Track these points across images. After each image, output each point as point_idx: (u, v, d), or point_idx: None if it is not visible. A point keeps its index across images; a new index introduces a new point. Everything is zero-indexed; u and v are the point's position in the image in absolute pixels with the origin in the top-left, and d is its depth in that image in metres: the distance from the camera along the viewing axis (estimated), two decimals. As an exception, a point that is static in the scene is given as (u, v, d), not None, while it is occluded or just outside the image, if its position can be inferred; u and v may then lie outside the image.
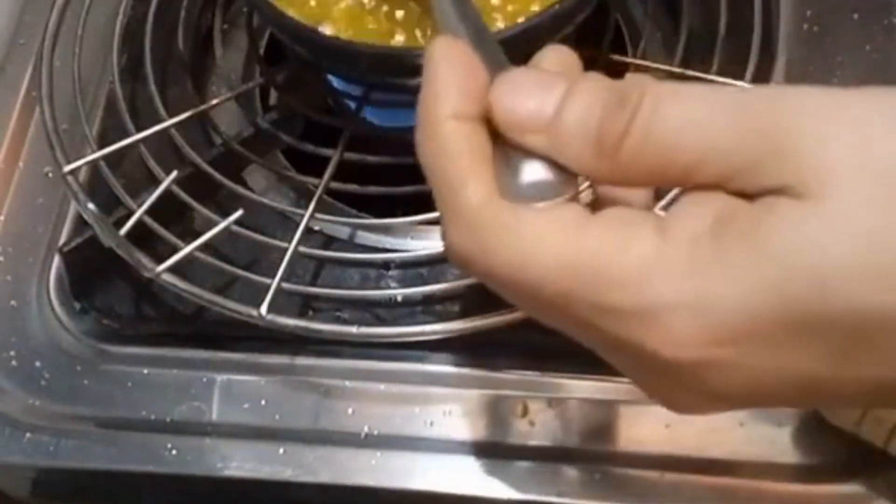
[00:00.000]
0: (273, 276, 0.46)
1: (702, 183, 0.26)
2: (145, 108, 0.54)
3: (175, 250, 0.47)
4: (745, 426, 0.47)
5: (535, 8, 0.46)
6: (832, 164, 0.24)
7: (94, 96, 0.57)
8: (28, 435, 0.48)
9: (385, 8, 0.48)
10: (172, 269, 0.47)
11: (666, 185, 0.28)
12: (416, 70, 0.47)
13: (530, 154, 0.28)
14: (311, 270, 0.51)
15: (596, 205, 0.29)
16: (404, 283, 0.51)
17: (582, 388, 0.49)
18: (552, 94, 0.27)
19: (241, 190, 0.51)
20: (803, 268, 0.24)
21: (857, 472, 0.45)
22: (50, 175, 0.55)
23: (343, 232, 0.53)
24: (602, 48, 0.53)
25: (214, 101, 0.54)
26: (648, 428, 0.47)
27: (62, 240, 0.53)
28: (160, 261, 0.47)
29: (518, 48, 0.46)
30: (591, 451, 0.47)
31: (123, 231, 0.48)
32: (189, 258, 0.47)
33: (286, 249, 0.47)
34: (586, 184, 0.30)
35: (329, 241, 0.52)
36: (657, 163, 0.26)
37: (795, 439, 0.46)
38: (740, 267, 0.25)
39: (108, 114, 0.56)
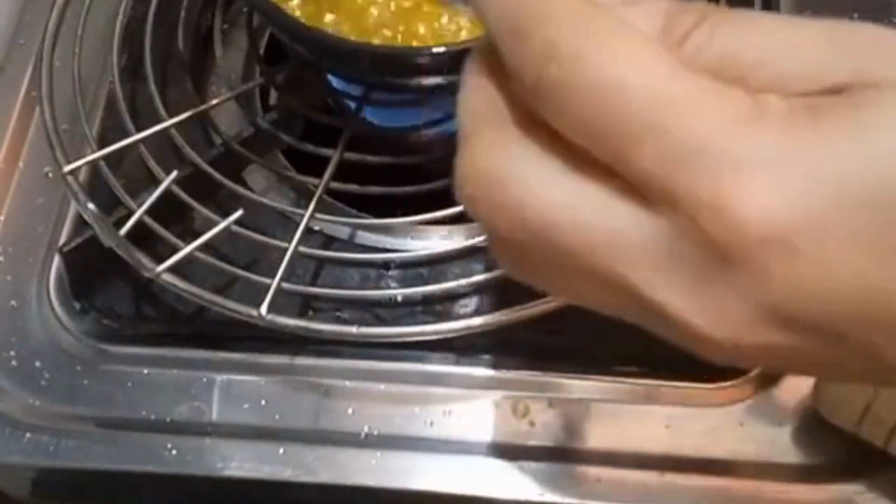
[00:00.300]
0: (273, 276, 0.46)
1: (769, 82, 0.23)
2: (145, 108, 0.54)
3: (175, 250, 0.47)
4: (745, 426, 0.47)
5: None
6: None
7: (94, 96, 0.57)
8: (28, 435, 0.48)
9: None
10: (172, 269, 0.47)
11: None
12: (416, 70, 0.47)
13: None
14: (311, 270, 0.51)
15: None
16: (404, 283, 0.51)
17: (582, 388, 0.49)
18: None
19: (241, 190, 0.51)
20: None
21: (857, 472, 0.45)
22: (50, 175, 0.55)
23: (343, 232, 0.53)
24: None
25: (214, 101, 0.54)
26: (648, 428, 0.47)
27: (62, 240, 0.53)
28: (160, 261, 0.47)
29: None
30: (591, 451, 0.47)
31: (123, 231, 0.48)
32: (189, 258, 0.47)
33: (286, 249, 0.47)
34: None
35: (329, 241, 0.52)
36: (720, 60, 0.23)
37: (795, 439, 0.46)
38: (839, 137, 0.22)
39: (108, 114, 0.56)
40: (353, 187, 0.52)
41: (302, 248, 0.48)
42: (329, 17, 0.49)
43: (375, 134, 0.55)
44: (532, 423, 0.48)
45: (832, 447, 0.46)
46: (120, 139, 0.51)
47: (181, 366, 0.50)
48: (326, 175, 0.50)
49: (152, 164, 0.51)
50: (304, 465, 0.47)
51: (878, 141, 0.22)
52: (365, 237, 0.52)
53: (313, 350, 0.50)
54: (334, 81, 0.56)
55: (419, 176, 0.52)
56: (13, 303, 0.52)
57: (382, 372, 0.49)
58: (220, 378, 0.50)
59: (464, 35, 0.48)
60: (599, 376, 0.49)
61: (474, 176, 0.25)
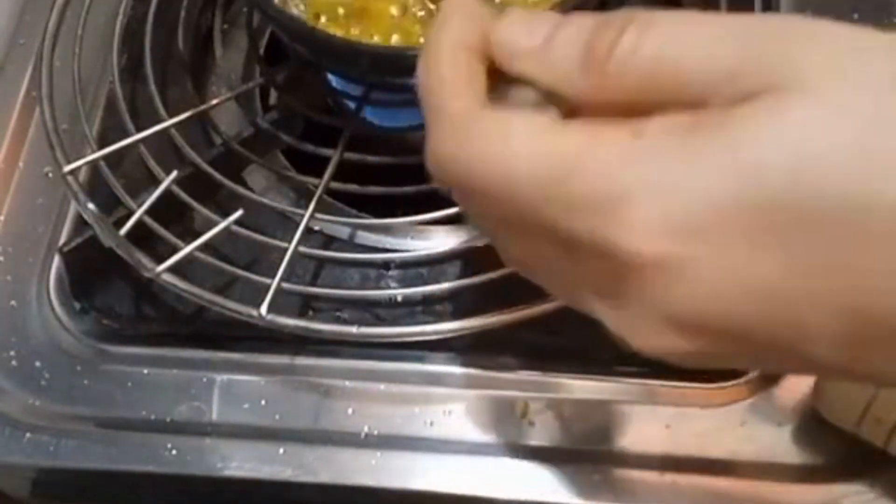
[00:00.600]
0: (273, 276, 0.46)
1: (690, 97, 0.25)
2: (145, 108, 0.54)
3: (175, 250, 0.47)
4: (745, 426, 0.47)
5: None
6: (821, 58, 0.24)
7: (94, 96, 0.57)
8: (28, 435, 0.48)
9: None
10: (172, 269, 0.47)
11: (653, 101, 0.26)
12: (416, 70, 0.47)
13: (522, 84, 0.28)
14: (311, 270, 0.51)
15: None
16: (404, 283, 0.51)
17: (582, 388, 0.49)
18: (544, 26, 0.28)
19: (241, 190, 0.51)
20: (778, 157, 0.23)
21: (857, 472, 0.45)
22: (50, 175, 0.55)
23: (343, 232, 0.53)
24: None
25: (214, 101, 0.54)
26: (648, 428, 0.47)
27: (62, 240, 0.53)
28: (160, 261, 0.47)
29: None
30: (591, 451, 0.47)
31: (123, 231, 0.48)
32: (189, 258, 0.47)
33: (286, 249, 0.47)
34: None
35: (329, 241, 0.52)
36: (645, 76, 0.26)
37: (795, 439, 0.46)
38: (710, 154, 0.24)
39: (108, 114, 0.56)
40: (353, 187, 0.52)
41: (302, 248, 0.48)
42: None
43: (375, 134, 0.55)
44: (532, 423, 0.48)
45: (832, 447, 0.46)
46: (120, 139, 0.51)
47: (181, 366, 0.50)
48: (326, 175, 0.50)
49: (152, 164, 0.51)
50: (304, 465, 0.47)
51: (741, 152, 0.23)
52: (365, 237, 0.52)
53: (313, 350, 0.50)
54: (334, 81, 0.56)
55: (419, 176, 0.52)
56: (13, 303, 0.52)
57: (382, 372, 0.49)
58: (220, 378, 0.50)
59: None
60: (599, 376, 0.49)
61: (453, 141, 0.28)
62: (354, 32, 0.50)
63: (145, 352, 0.51)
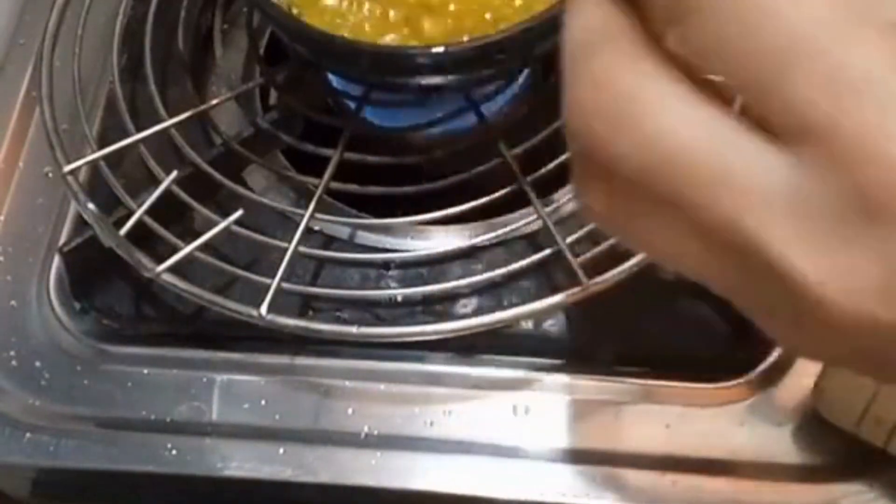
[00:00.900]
0: (273, 276, 0.46)
1: None
2: (145, 108, 0.54)
3: (175, 250, 0.47)
4: (745, 426, 0.47)
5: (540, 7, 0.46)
6: None
7: (94, 96, 0.57)
8: (28, 435, 0.48)
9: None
10: (172, 269, 0.47)
11: None
12: (416, 69, 0.47)
13: None
14: (311, 270, 0.51)
15: None
16: (404, 283, 0.51)
17: (582, 388, 0.49)
18: None
19: (241, 190, 0.51)
20: None
21: (857, 472, 0.45)
22: (50, 175, 0.55)
23: (343, 232, 0.53)
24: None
25: (214, 101, 0.54)
26: (648, 428, 0.47)
27: (62, 240, 0.53)
28: (160, 261, 0.47)
29: (519, 47, 0.47)
30: (591, 451, 0.47)
31: (123, 231, 0.48)
32: (189, 258, 0.47)
33: (286, 249, 0.47)
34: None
35: (329, 241, 0.52)
36: None
37: (795, 439, 0.46)
38: None
39: (108, 114, 0.56)
40: (353, 187, 0.52)
41: (302, 248, 0.48)
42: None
43: (375, 134, 0.55)
44: (531, 424, 0.48)
45: (832, 447, 0.46)
46: (120, 139, 0.51)
47: (181, 366, 0.50)
48: (326, 175, 0.50)
49: (152, 164, 0.51)
50: (304, 465, 0.47)
51: None
52: (365, 237, 0.52)
53: (313, 350, 0.50)
54: (334, 81, 0.56)
55: (419, 176, 0.52)
56: (13, 303, 0.52)
57: (382, 372, 0.49)
58: (220, 378, 0.50)
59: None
60: (599, 376, 0.49)
61: (596, 98, 0.21)
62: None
63: (145, 352, 0.51)
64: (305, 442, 0.48)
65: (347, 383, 0.49)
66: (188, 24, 0.58)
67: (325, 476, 0.47)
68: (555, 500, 0.46)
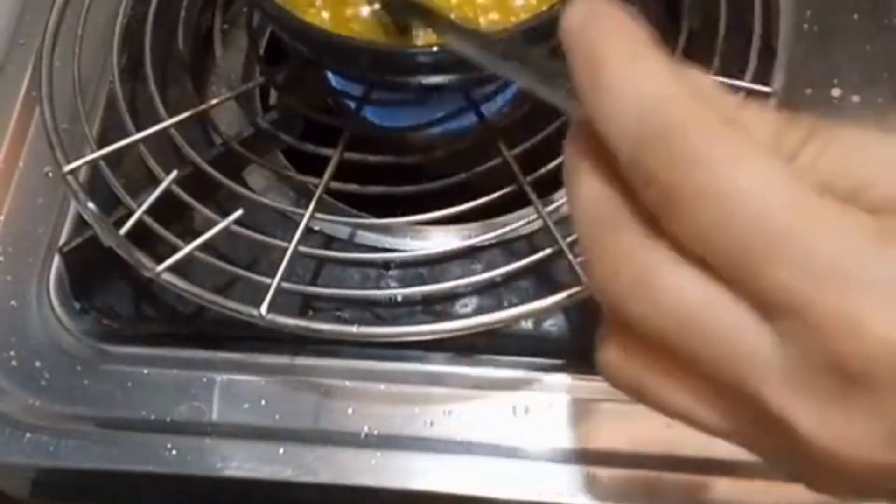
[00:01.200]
0: (273, 276, 0.46)
1: (877, 201, 0.23)
2: (145, 108, 0.54)
3: (175, 250, 0.47)
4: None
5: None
6: None
7: (94, 96, 0.57)
8: (28, 435, 0.48)
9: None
10: (172, 269, 0.47)
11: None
12: (416, 68, 0.47)
13: None
14: (311, 270, 0.51)
15: None
16: (404, 283, 0.51)
17: (582, 388, 0.49)
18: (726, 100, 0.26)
19: (241, 190, 0.51)
20: None
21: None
22: (50, 175, 0.55)
23: (343, 232, 0.53)
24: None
25: (214, 101, 0.54)
26: (648, 428, 0.47)
27: (62, 240, 0.53)
28: (160, 261, 0.46)
29: (518, 49, 0.47)
30: (591, 451, 0.47)
31: (123, 231, 0.48)
32: (189, 258, 0.47)
33: (286, 249, 0.47)
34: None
35: (329, 241, 0.52)
36: (829, 177, 0.24)
37: (795, 439, 0.46)
38: None
39: (108, 114, 0.56)
40: (353, 187, 0.52)
41: (302, 248, 0.48)
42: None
43: (375, 134, 0.55)
44: (531, 423, 0.48)
45: (832, 447, 0.46)
46: (120, 139, 0.51)
47: (181, 366, 0.50)
48: (326, 175, 0.50)
49: (152, 163, 0.51)
50: (304, 465, 0.47)
51: None
52: (365, 237, 0.52)
53: (313, 350, 0.50)
54: (334, 81, 0.56)
55: (419, 176, 0.52)
56: (13, 303, 0.52)
57: (382, 372, 0.49)
58: (220, 378, 0.50)
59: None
60: (599, 376, 0.48)
61: (615, 276, 0.24)
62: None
63: (145, 352, 0.51)
64: (305, 442, 0.48)
65: (347, 383, 0.49)
66: (188, 24, 0.58)
67: (325, 476, 0.47)
68: (554, 500, 0.46)
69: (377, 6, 0.48)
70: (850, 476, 0.23)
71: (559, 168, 0.51)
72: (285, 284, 0.47)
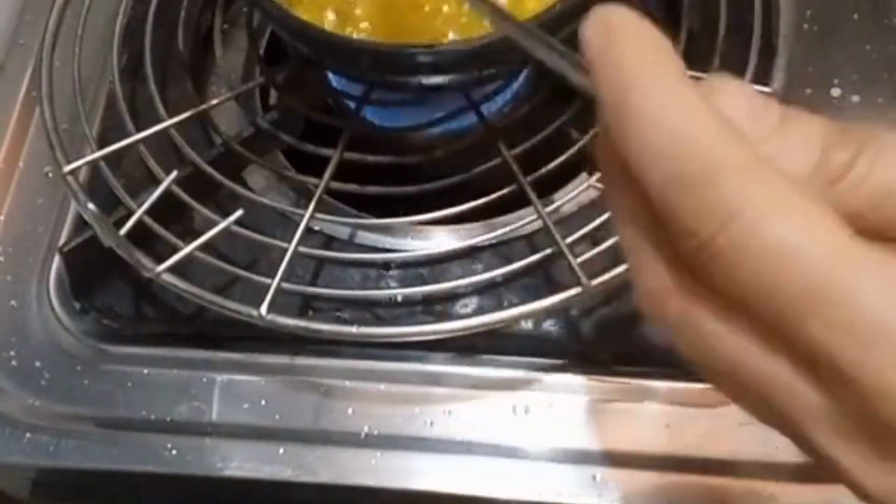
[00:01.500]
0: (273, 276, 0.46)
1: None
2: (145, 108, 0.54)
3: (175, 250, 0.47)
4: (745, 426, 0.47)
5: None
6: None
7: (94, 96, 0.57)
8: (28, 435, 0.48)
9: None
10: (172, 269, 0.47)
11: (877, 222, 0.24)
12: (416, 68, 0.47)
13: None
14: (311, 270, 0.51)
15: None
16: (404, 283, 0.51)
17: (582, 387, 0.49)
18: (771, 111, 0.25)
19: (241, 190, 0.51)
20: None
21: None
22: (50, 175, 0.55)
23: (343, 232, 0.53)
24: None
25: (214, 101, 0.54)
26: (648, 428, 0.47)
27: (62, 240, 0.53)
28: (160, 261, 0.46)
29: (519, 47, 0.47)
30: (590, 451, 0.47)
31: (123, 231, 0.48)
32: (189, 258, 0.47)
33: (286, 249, 0.47)
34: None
35: (329, 241, 0.52)
36: (875, 201, 0.24)
37: (795, 439, 0.46)
38: None
39: (108, 114, 0.56)
40: (353, 187, 0.52)
41: (302, 248, 0.48)
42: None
43: (375, 134, 0.55)
44: (531, 423, 0.48)
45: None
46: (120, 139, 0.51)
47: (181, 366, 0.50)
48: (326, 175, 0.50)
49: (152, 164, 0.51)
50: (304, 465, 0.47)
51: None
52: (365, 237, 0.52)
53: (313, 350, 0.50)
54: (334, 81, 0.56)
55: (419, 176, 0.52)
56: (13, 303, 0.52)
57: (382, 372, 0.49)
58: (220, 378, 0.50)
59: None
60: (599, 376, 0.49)
61: (660, 314, 0.25)
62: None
63: (145, 352, 0.51)
64: (305, 442, 0.48)
65: (347, 383, 0.49)
66: (188, 24, 0.58)
67: (325, 476, 0.47)
68: (554, 500, 0.46)
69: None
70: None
71: (559, 168, 0.52)
72: (285, 285, 0.47)
